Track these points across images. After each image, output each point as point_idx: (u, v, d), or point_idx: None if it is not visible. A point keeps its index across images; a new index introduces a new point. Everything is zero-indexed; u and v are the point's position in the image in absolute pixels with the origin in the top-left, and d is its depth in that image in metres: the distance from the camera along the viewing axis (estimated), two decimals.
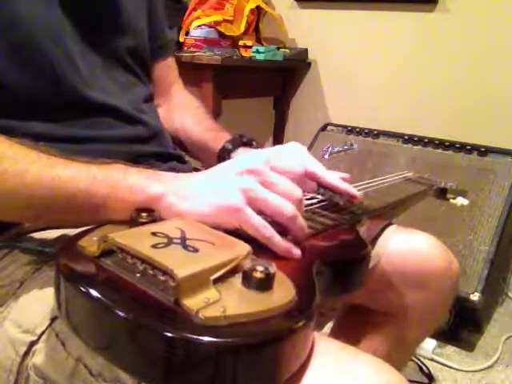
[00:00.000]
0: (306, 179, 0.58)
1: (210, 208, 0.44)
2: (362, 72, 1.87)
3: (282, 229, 0.45)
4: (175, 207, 0.45)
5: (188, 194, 0.45)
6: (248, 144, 0.77)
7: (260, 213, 0.44)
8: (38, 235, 0.54)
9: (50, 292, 0.45)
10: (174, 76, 0.88)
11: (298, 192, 0.46)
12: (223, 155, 0.75)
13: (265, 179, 0.45)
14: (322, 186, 0.59)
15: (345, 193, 0.58)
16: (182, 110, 0.85)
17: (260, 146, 0.79)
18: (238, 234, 0.43)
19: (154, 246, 0.37)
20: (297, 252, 0.43)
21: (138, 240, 0.38)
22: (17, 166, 0.45)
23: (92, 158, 0.48)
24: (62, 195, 0.45)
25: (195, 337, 0.31)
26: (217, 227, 0.43)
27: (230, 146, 0.75)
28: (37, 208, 0.46)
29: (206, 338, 0.30)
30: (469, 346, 1.41)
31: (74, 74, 0.59)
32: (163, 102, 0.85)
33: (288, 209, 0.44)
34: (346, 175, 0.62)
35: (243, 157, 0.48)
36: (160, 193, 0.45)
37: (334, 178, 0.59)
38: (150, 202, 0.45)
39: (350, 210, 0.57)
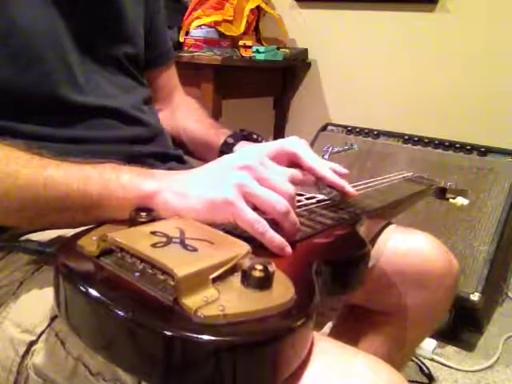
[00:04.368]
0: (305, 173, 0.56)
1: (204, 204, 0.44)
2: (361, 72, 1.87)
3: (277, 226, 0.45)
4: (170, 204, 0.45)
5: (182, 190, 0.45)
6: (249, 137, 0.78)
7: (255, 209, 0.44)
8: (37, 235, 0.54)
9: (49, 292, 0.45)
10: (175, 81, 0.89)
11: (290, 187, 0.46)
12: (225, 150, 0.76)
13: (258, 175, 0.45)
14: (319, 181, 0.57)
15: (340, 189, 0.57)
16: (183, 112, 0.86)
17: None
18: (237, 233, 0.43)
19: (154, 246, 0.38)
20: (288, 250, 0.43)
21: (137, 239, 0.39)
22: (8, 168, 0.45)
23: (84, 158, 0.48)
24: (55, 196, 0.45)
25: (194, 335, 0.31)
26: (213, 223, 0.43)
27: (231, 140, 0.76)
28: (30, 209, 0.46)
29: (205, 337, 0.31)
30: (469, 346, 1.41)
31: (70, 81, 0.60)
32: (165, 107, 0.86)
33: (281, 204, 0.44)
34: (345, 170, 0.60)
35: (237, 153, 0.48)
36: (154, 190, 0.45)
37: (331, 173, 0.57)
38: (143, 200, 0.45)
39: (349, 209, 0.57)
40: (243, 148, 0.47)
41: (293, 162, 0.57)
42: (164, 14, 0.83)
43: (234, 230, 0.44)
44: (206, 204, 0.44)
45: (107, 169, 0.47)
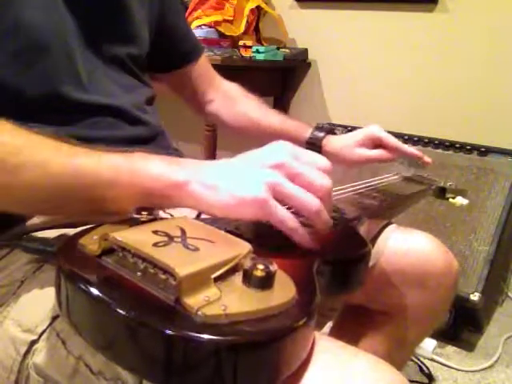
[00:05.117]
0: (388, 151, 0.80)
1: (235, 200, 0.43)
2: (362, 72, 1.87)
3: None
4: (197, 195, 0.44)
5: (212, 183, 0.44)
6: (332, 131, 0.88)
7: (285, 204, 0.44)
8: (39, 234, 0.54)
9: (50, 291, 0.45)
10: (212, 69, 0.94)
11: (325, 180, 0.45)
12: (315, 142, 0.87)
13: (290, 171, 0.44)
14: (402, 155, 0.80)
15: (420, 158, 0.80)
16: (239, 100, 0.92)
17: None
18: (238, 232, 0.43)
19: (155, 245, 0.37)
20: (317, 247, 0.44)
21: (138, 238, 0.39)
22: (38, 157, 0.44)
23: (113, 147, 0.48)
24: (84, 184, 0.45)
25: (196, 335, 0.31)
26: (240, 219, 0.43)
27: (320, 134, 0.87)
28: (59, 198, 0.46)
29: (207, 336, 0.31)
30: (469, 346, 1.41)
31: (74, 79, 0.60)
32: (215, 96, 0.92)
33: (312, 204, 0.43)
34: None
35: (268, 147, 0.47)
36: (183, 180, 0.44)
37: (412, 149, 0.81)
38: (171, 189, 0.44)
39: (349, 209, 0.57)
40: (275, 142, 0.47)
41: (378, 145, 0.81)
42: (183, 14, 0.88)
43: (236, 230, 0.44)
44: (237, 200, 0.42)
45: (136, 158, 0.46)
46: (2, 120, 0.46)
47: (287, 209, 0.44)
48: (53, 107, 0.59)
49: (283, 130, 0.88)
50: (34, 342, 0.47)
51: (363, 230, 0.54)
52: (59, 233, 0.53)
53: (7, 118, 0.55)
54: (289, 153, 0.45)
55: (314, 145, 0.86)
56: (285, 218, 0.42)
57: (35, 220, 0.55)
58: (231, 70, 1.63)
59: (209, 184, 0.44)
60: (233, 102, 0.92)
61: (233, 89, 0.94)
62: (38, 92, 0.57)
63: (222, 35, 1.80)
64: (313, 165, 0.46)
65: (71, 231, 0.48)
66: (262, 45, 1.85)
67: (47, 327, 0.47)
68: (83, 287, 0.35)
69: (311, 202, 0.43)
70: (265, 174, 0.43)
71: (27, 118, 0.56)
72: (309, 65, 1.97)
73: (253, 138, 0.92)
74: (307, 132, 0.87)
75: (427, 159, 0.81)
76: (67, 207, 0.47)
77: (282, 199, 0.43)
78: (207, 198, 0.44)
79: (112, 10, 0.65)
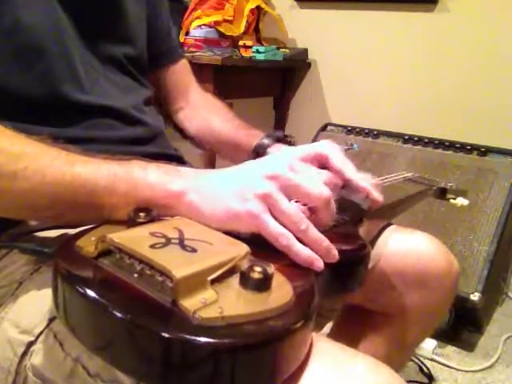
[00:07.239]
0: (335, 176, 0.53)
1: (229, 213, 0.43)
2: (361, 72, 1.87)
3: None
4: (194, 206, 0.44)
5: (208, 193, 0.44)
6: (283, 140, 0.78)
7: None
8: (37, 235, 0.54)
9: (48, 292, 0.44)
10: (188, 77, 0.89)
11: (324, 190, 0.44)
12: (260, 151, 0.76)
13: (286, 183, 0.43)
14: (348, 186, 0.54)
15: (366, 193, 0.53)
16: (206, 110, 0.86)
17: None
18: (236, 234, 0.43)
19: (152, 247, 0.37)
20: (318, 264, 0.42)
21: (135, 240, 0.38)
22: (36, 165, 0.44)
23: (111, 155, 0.48)
24: (82, 193, 0.44)
25: (192, 337, 0.30)
26: (234, 232, 0.42)
27: (266, 142, 0.76)
28: (58, 206, 0.46)
29: (203, 339, 0.30)
30: (469, 346, 1.41)
31: (72, 80, 0.60)
32: (184, 105, 0.86)
33: (298, 222, 0.42)
34: (373, 180, 0.57)
35: (266, 158, 0.47)
36: (180, 189, 0.44)
37: (360, 177, 0.53)
38: (169, 199, 0.44)
39: (349, 210, 0.57)
40: (273, 153, 0.46)
41: (323, 165, 0.54)
42: (168, 14, 0.83)
43: (233, 231, 0.43)
44: (231, 214, 0.43)
45: (134, 167, 0.46)
46: (1, 126, 0.46)
47: None
48: (52, 108, 0.59)
49: (235, 138, 0.81)
50: (31, 344, 0.47)
51: (363, 230, 0.54)
52: (57, 234, 0.52)
53: (7, 119, 0.55)
54: (286, 164, 0.45)
55: (258, 154, 0.76)
56: (277, 233, 0.41)
57: (33, 221, 0.55)
58: (231, 70, 1.63)
59: (205, 195, 0.44)
60: (198, 112, 0.86)
61: (203, 99, 0.89)
62: (37, 93, 0.57)
63: (222, 35, 1.80)
64: (310, 176, 0.45)
65: (69, 232, 0.48)
66: (262, 45, 1.85)
67: (45, 328, 0.46)
68: (80, 289, 0.35)
69: (298, 220, 0.42)
70: (260, 185, 0.43)
71: (26, 118, 0.57)
72: (309, 65, 1.97)
73: (212, 148, 0.87)
74: (256, 140, 0.78)
75: (377, 198, 0.53)
76: (67, 215, 0.47)
77: (273, 213, 0.42)
78: (203, 209, 0.44)
79: (107, 10, 0.65)
